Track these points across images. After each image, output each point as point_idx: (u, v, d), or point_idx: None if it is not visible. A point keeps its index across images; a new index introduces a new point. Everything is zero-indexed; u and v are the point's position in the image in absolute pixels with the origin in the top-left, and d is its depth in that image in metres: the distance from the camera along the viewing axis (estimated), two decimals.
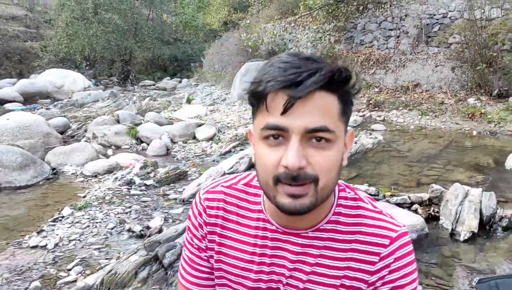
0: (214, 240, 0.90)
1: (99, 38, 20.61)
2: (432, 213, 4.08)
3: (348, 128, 0.79)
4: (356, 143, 6.54)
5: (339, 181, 0.85)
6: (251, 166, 5.56)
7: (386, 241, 0.80)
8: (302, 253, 0.83)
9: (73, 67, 20.88)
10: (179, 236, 3.64)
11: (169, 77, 24.15)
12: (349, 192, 0.87)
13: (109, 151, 7.64)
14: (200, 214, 0.91)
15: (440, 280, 3.08)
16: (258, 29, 12.99)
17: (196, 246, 0.93)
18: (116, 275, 3.10)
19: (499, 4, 8.36)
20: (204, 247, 0.92)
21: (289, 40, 12.88)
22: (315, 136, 0.70)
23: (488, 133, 7.22)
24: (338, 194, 0.85)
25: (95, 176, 6.03)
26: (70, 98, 13.93)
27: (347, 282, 0.81)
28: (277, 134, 0.71)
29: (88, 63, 22.76)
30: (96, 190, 5.41)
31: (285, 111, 0.69)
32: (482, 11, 8.28)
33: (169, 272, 3.19)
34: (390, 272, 0.80)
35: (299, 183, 0.71)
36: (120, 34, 21.70)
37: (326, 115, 0.70)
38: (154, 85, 21.10)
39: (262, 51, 13.40)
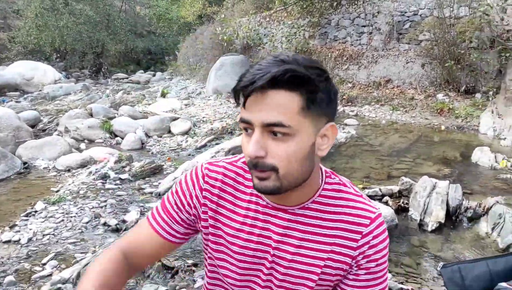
0: (206, 204, 0.97)
1: (70, 30, 20.10)
2: (402, 204, 4.23)
3: (328, 124, 0.86)
4: None
5: (326, 169, 0.97)
6: None
7: (367, 221, 0.92)
8: (288, 228, 0.93)
9: (43, 59, 20.33)
10: None
11: (142, 71, 23.80)
12: (334, 178, 0.97)
13: (82, 145, 7.54)
14: (198, 180, 0.98)
15: (409, 268, 3.23)
16: (233, 23, 12.98)
17: (175, 199, 1.00)
18: None
19: (467, 3, 8.63)
20: (187, 204, 0.98)
21: (264, 35, 12.93)
22: (271, 130, 0.80)
23: (455, 128, 7.49)
24: (325, 179, 0.95)
25: (68, 171, 5.95)
26: (40, 90, 13.58)
27: (335, 257, 0.92)
28: (247, 127, 0.83)
29: (58, 55, 22.21)
30: (69, 184, 5.35)
31: (244, 106, 0.81)
32: (451, 9, 8.54)
33: None
34: (370, 247, 0.92)
35: (259, 169, 0.82)
36: (91, 26, 21.23)
37: (281, 111, 0.78)
38: (127, 78, 20.75)
39: (237, 46, 13.40)
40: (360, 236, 0.91)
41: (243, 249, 0.95)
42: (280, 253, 0.93)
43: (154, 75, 21.24)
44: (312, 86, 0.80)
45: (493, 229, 3.67)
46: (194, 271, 3.18)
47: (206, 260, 1.06)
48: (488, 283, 1.61)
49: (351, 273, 0.93)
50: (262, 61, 0.82)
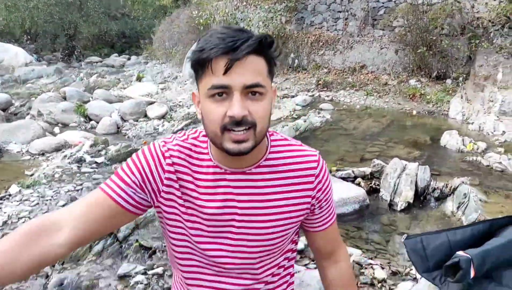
0: (170, 179, 1.00)
1: (40, 11, 19.46)
2: (373, 185, 4.39)
3: (273, 84, 0.99)
4: (305, 121, 6.79)
5: (270, 129, 1.07)
6: None
7: (315, 164, 1.06)
8: (249, 187, 1.02)
9: (13, 41, 19.68)
10: None
11: (117, 54, 23.33)
12: (276, 135, 1.09)
13: (56, 129, 7.44)
14: (158, 157, 0.99)
15: (378, 245, 3.38)
16: (209, 6, 12.86)
17: (134, 177, 0.98)
18: None
19: None
20: (144, 182, 0.98)
21: (241, 19, 12.87)
22: (251, 91, 0.89)
23: (426, 112, 7.71)
24: (270, 138, 1.06)
25: (43, 154, 5.89)
26: (11, 73, 13.20)
27: (296, 201, 1.05)
28: (221, 92, 0.88)
29: (29, 37, 21.54)
30: (44, 168, 5.30)
31: (226, 72, 0.86)
32: None
33: (123, 245, 3.26)
34: (322, 184, 1.08)
35: (242, 129, 0.89)
36: (63, 7, 20.59)
37: (258, 74, 0.89)
38: (101, 62, 20.31)
39: None
40: (314, 178, 1.06)
41: (212, 216, 1.02)
42: (247, 210, 1.02)
43: (129, 59, 20.86)
44: (273, 51, 0.93)
45: (458, 208, 3.86)
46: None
47: (169, 236, 1.08)
48: (448, 252, 1.73)
49: (315, 207, 1.09)
50: (218, 32, 0.89)
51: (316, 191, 1.06)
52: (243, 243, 1.04)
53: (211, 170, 1.01)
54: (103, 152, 5.72)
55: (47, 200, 4.37)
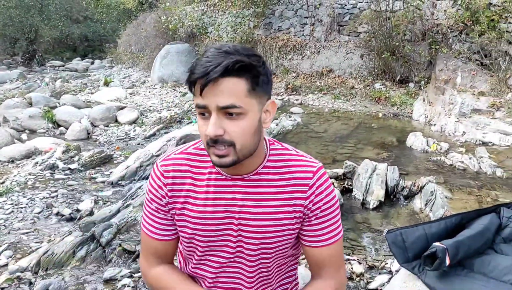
0: (174, 195, 1.13)
1: None
2: (346, 186, 4.57)
3: (272, 98, 1.08)
4: (277, 125, 6.95)
5: (270, 138, 1.17)
6: None
7: (310, 175, 1.11)
8: (247, 193, 1.11)
9: None
10: (113, 216, 3.74)
11: (79, 58, 22.83)
12: (276, 145, 1.17)
13: (24, 136, 7.27)
14: (158, 178, 1.14)
15: (354, 242, 3.55)
16: (178, 12, 12.85)
17: (154, 206, 1.16)
18: (54, 255, 3.13)
19: None
20: (164, 204, 1.14)
21: (209, 24, 12.94)
22: (227, 111, 0.97)
23: (391, 115, 8.04)
24: (269, 147, 1.15)
25: (12, 162, 5.76)
26: None
27: (290, 209, 1.11)
28: (204, 111, 0.98)
29: None
30: (15, 175, 5.20)
31: (200, 93, 0.96)
32: (387, 3, 9.07)
33: (107, 250, 3.28)
34: (316, 195, 1.11)
35: (220, 145, 0.98)
36: (23, 10, 19.96)
37: (232, 95, 0.95)
38: (63, 66, 19.84)
39: (181, 34, 13.30)
40: (308, 188, 1.10)
41: (212, 220, 1.11)
42: (244, 215, 1.11)
43: (92, 63, 20.48)
44: (255, 71, 0.98)
45: (426, 205, 4.09)
46: None
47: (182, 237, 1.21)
48: (425, 244, 1.90)
49: (306, 218, 1.13)
50: (207, 53, 0.98)
51: (309, 201, 1.10)
52: (241, 244, 1.13)
53: (213, 176, 1.11)
54: (76, 158, 5.66)
55: (21, 207, 4.31)
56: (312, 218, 1.12)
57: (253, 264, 1.14)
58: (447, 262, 1.77)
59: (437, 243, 1.81)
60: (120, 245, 3.29)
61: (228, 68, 0.93)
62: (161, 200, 1.13)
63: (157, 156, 5.47)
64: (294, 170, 1.11)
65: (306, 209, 1.10)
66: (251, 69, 0.96)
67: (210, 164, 1.11)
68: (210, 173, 1.11)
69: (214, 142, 0.96)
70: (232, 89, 0.94)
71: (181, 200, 1.12)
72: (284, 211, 1.10)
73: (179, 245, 1.24)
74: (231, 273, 1.16)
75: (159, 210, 1.15)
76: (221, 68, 0.92)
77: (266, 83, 1.01)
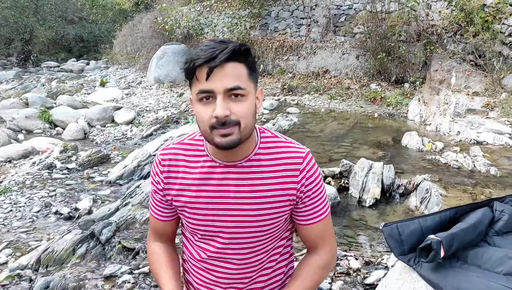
0: (170, 182, 1.22)
1: None
2: (343, 184, 4.63)
3: (258, 87, 1.14)
4: (274, 125, 6.99)
5: (261, 126, 1.24)
6: None
7: (300, 160, 1.17)
8: (240, 179, 1.16)
9: None
10: (112, 214, 3.77)
11: (74, 59, 22.81)
12: (266, 132, 1.23)
13: (20, 136, 7.29)
14: (157, 166, 1.24)
15: (351, 239, 3.60)
16: (174, 12, 12.88)
17: (153, 189, 1.28)
18: (54, 253, 3.16)
19: None
20: (161, 189, 1.24)
21: (205, 25, 12.98)
22: (232, 93, 1.03)
23: (387, 115, 8.10)
24: (260, 134, 1.21)
25: (9, 161, 5.78)
26: None
27: (283, 192, 1.17)
28: (207, 96, 1.04)
29: None
30: (13, 175, 5.22)
31: (207, 78, 1.01)
32: (382, 4, 9.15)
33: (106, 248, 3.31)
34: (307, 179, 1.18)
35: (227, 126, 1.03)
36: (18, 11, 19.93)
37: (237, 78, 1.03)
38: (58, 66, 19.83)
39: (178, 35, 13.33)
40: (299, 172, 1.17)
41: (207, 205, 1.18)
42: (239, 199, 1.17)
43: (88, 64, 20.47)
44: (251, 58, 1.07)
45: (421, 202, 4.15)
46: None
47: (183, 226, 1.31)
48: (420, 237, 1.95)
49: (300, 200, 1.20)
50: (203, 44, 1.04)
51: (301, 184, 1.16)
52: (236, 229, 1.18)
53: (207, 164, 1.18)
54: (73, 158, 5.68)
55: (20, 206, 4.33)
56: (305, 199, 1.19)
57: (250, 246, 1.21)
58: (442, 254, 1.81)
59: (432, 236, 1.86)
60: (119, 242, 3.33)
61: (235, 50, 1.00)
62: (158, 184, 1.23)
63: (155, 155, 5.50)
64: (284, 156, 1.17)
65: (298, 192, 1.17)
66: (249, 54, 1.05)
67: (205, 152, 1.18)
68: (204, 161, 1.18)
69: (222, 124, 1.01)
70: (236, 72, 1.02)
71: (176, 187, 1.20)
72: (278, 195, 1.16)
73: (182, 229, 1.34)
74: (228, 256, 1.22)
75: (156, 193, 1.26)
76: (228, 51, 0.99)
77: (256, 71, 1.11)
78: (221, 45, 1.01)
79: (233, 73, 1.01)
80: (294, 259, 1.40)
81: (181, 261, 1.38)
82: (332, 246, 1.30)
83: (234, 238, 1.19)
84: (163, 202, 1.26)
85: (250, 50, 1.05)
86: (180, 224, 1.34)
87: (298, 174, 1.16)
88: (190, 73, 1.04)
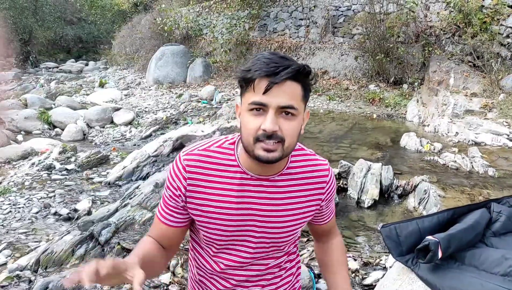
0: (194, 190, 1.16)
1: None
2: (342, 185, 4.63)
3: (307, 108, 1.13)
4: None
5: None
6: (174, 149, 5.71)
7: (326, 173, 1.23)
8: (271, 192, 1.16)
9: None
10: (111, 215, 3.77)
11: (73, 59, 22.81)
12: (296, 145, 1.23)
13: (19, 137, 7.29)
14: (180, 171, 1.16)
15: (349, 240, 3.61)
16: (173, 13, 12.89)
17: (168, 194, 1.20)
18: (53, 254, 3.16)
19: None
20: (178, 195, 1.17)
21: (204, 26, 13.00)
22: (285, 111, 1.03)
23: (386, 116, 8.12)
24: None
25: (9, 162, 5.78)
26: None
27: (311, 203, 1.21)
28: (259, 108, 1.03)
29: None
30: (12, 176, 5.22)
31: (265, 92, 1.01)
32: (381, 5, 9.18)
33: (106, 249, 3.31)
34: (331, 189, 1.25)
35: (272, 140, 1.03)
36: (17, 12, 19.92)
37: (292, 97, 1.03)
38: (57, 67, 19.83)
39: (177, 36, 13.34)
40: (325, 184, 1.23)
41: (235, 216, 1.15)
42: (270, 213, 1.17)
43: (87, 64, 20.47)
44: (308, 80, 1.07)
45: (419, 203, 4.16)
46: None
47: (196, 237, 1.27)
48: (418, 237, 1.97)
49: (323, 206, 1.27)
50: (264, 56, 1.03)
51: (325, 195, 1.23)
52: (262, 243, 1.19)
53: (238, 175, 1.15)
54: (72, 159, 5.69)
55: (19, 207, 4.34)
56: (325, 205, 1.27)
57: (273, 255, 1.24)
58: (440, 255, 1.83)
59: (429, 237, 1.87)
60: (118, 243, 3.33)
61: (299, 71, 1.01)
62: (178, 190, 1.17)
63: (154, 156, 5.51)
64: (312, 169, 1.20)
65: (322, 201, 1.24)
66: (308, 77, 1.06)
67: (236, 163, 1.15)
68: (235, 172, 1.15)
69: (268, 137, 1.01)
70: (293, 92, 1.02)
71: (201, 196, 1.16)
72: (307, 206, 1.21)
73: (192, 241, 1.29)
74: (249, 266, 1.23)
75: (172, 199, 1.20)
76: (291, 70, 1.00)
77: (309, 92, 1.11)
78: (284, 62, 1.00)
79: (289, 92, 1.01)
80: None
81: (189, 274, 1.35)
82: (338, 233, 1.44)
83: (259, 252, 1.20)
84: (179, 208, 1.19)
85: (311, 73, 1.06)
86: (191, 234, 1.30)
87: (325, 186, 1.22)
88: (246, 82, 1.03)
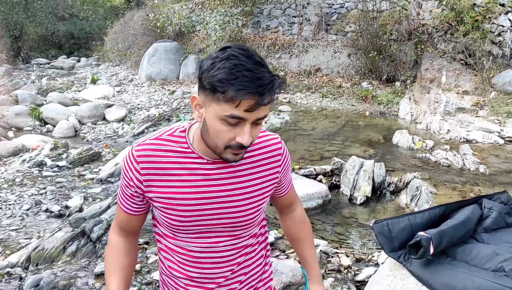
0: (150, 179, 1.16)
1: None
2: (334, 182, 4.65)
3: None
4: (266, 122, 7.00)
5: None
6: None
7: (280, 145, 1.27)
8: (231, 172, 1.18)
9: None
10: (103, 212, 3.75)
11: (65, 56, 22.61)
12: None
13: (10, 133, 7.22)
14: (131, 162, 1.16)
15: (341, 236, 3.63)
16: (166, 10, 12.82)
17: (124, 183, 1.21)
18: (44, 251, 3.14)
19: None
20: (132, 185, 1.18)
21: (197, 22, 12.94)
22: (258, 122, 1.05)
23: (378, 113, 8.15)
24: None
25: None
26: None
27: (269, 177, 1.25)
28: (238, 122, 1.02)
29: None
30: (2, 173, 5.17)
31: (249, 111, 1.00)
32: (374, 3, 9.18)
33: (97, 245, 3.30)
34: (285, 161, 1.29)
35: (244, 149, 1.07)
36: (8, 7, 19.68)
37: (268, 107, 1.04)
38: (48, 63, 19.66)
39: (170, 32, 13.27)
40: (280, 156, 1.27)
41: (194, 200, 1.16)
42: (231, 192, 1.18)
43: (79, 61, 20.31)
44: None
45: (411, 200, 4.19)
46: (146, 249, 3.33)
47: (159, 223, 1.26)
48: (410, 233, 1.97)
49: (281, 178, 1.31)
50: (243, 65, 0.98)
51: (282, 167, 1.27)
52: (226, 223, 1.20)
53: (193, 160, 1.16)
54: (64, 156, 5.64)
55: (10, 204, 4.30)
56: (282, 178, 1.31)
57: (239, 234, 1.24)
58: (431, 250, 1.83)
59: (421, 233, 1.88)
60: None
61: (280, 88, 1.03)
62: (131, 181, 1.18)
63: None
64: (265, 144, 1.24)
65: (280, 174, 1.28)
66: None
67: (190, 149, 1.16)
68: (190, 157, 1.16)
69: (241, 147, 1.05)
70: (269, 104, 1.03)
71: (159, 183, 1.16)
72: (266, 181, 1.24)
73: (158, 225, 1.28)
74: (216, 248, 1.22)
75: (128, 188, 1.21)
76: (278, 91, 1.02)
77: None
78: (265, 75, 0.98)
79: (268, 105, 1.02)
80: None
81: (159, 255, 1.34)
82: (299, 199, 1.49)
83: (224, 231, 1.21)
84: (135, 196, 1.21)
85: (285, 83, 1.06)
86: (153, 221, 1.30)
87: (280, 158, 1.26)
88: (222, 92, 0.98)
